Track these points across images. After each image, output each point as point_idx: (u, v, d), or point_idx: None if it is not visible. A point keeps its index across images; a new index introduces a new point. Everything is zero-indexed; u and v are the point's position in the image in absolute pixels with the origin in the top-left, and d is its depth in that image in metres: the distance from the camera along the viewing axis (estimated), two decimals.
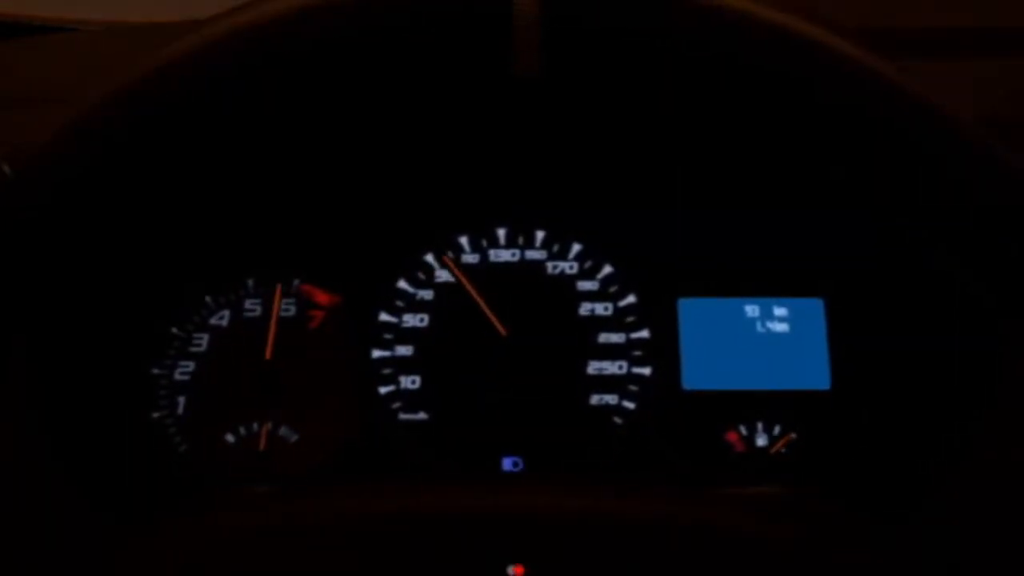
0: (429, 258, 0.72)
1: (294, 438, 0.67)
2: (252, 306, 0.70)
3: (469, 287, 0.69)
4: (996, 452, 0.42)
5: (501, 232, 0.72)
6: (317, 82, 0.49)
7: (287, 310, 0.70)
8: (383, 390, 0.69)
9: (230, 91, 0.45)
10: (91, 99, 0.44)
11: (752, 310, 0.69)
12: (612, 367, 0.68)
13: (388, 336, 0.70)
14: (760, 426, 0.66)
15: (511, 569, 0.39)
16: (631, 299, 0.70)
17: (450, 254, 0.70)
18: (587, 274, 0.71)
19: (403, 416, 0.68)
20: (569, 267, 0.71)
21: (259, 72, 0.44)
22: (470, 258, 0.72)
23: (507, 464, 0.67)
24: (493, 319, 0.68)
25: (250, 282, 0.71)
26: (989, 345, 0.46)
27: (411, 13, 0.44)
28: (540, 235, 0.72)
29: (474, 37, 0.45)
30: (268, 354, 0.68)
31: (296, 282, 0.71)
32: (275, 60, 0.44)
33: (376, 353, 0.69)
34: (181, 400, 0.68)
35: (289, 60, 0.45)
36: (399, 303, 0.70)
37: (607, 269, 0.71)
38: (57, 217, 0.45)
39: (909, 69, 0.42)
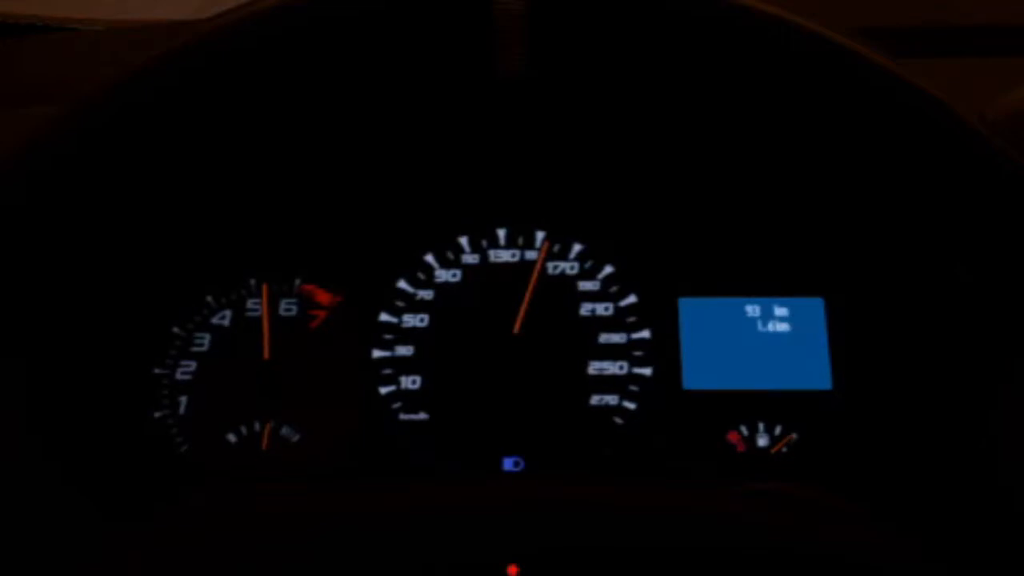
0: (429, 258, 0.72)
1: (295, 438, 0.67)
2: (254, 306, 0.70)
3: (534, 280, 0.69)
4: (998, 451, 0.42)
5: (501, 232, 0.72)
6: (310, 77, 0.49)
7: (288, 310, 0.70)
8: (384, 390, 0.69)
9: (217, 88, 0.45)
10: (86, 94, 0.44)
11: (753, 310, 0.69)
12: (613, 367, 0.68)
13: (389, 336, 0.70)
14: (761, 426, 0.66)
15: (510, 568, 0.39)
16: (632, 299, 0.70)
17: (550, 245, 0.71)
18: (588, 274, 0.71)
19: (403, 416, 0.68)
20: (570, 267, 0.71)
21: (242, 69, 0.44)
22: (470, 258, 0.72)
23: (508, 464, 0.67)
24: (521, 317, 0.68)
25: (251, 282, 0.71)
26: (990, 343, 0.46)
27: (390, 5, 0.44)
28: (540, 235, 0.72)
29: (456, 34, 0.45)
30: (266, 354, 0.68)
31: (297, 282, 0.71)
32: (257, 54, 0.44)
33: (377, 353, 0.69)
34: (183, 400, 0.68)
35: (272, 54, 0.45)
36: (399, 303, 0.70)
37: (608, 269, 0.71)
38: (53, 216, 0.45)
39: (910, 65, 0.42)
